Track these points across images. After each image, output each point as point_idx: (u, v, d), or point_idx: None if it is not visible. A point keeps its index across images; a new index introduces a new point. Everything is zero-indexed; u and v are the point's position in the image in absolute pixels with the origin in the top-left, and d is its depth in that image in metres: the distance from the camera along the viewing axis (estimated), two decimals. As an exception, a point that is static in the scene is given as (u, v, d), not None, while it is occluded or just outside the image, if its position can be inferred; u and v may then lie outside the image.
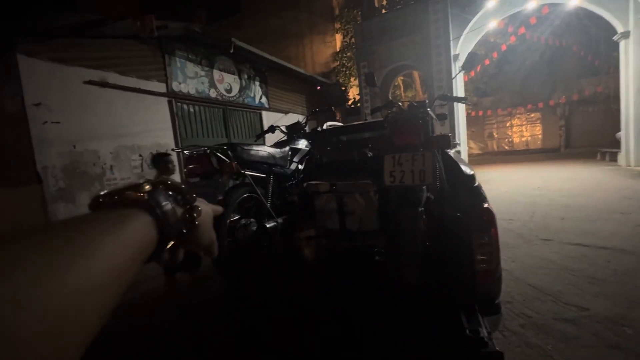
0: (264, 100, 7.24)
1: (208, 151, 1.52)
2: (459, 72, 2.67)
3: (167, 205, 0.34)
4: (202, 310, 1.92)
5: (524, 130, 19.30)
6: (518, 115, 18.83)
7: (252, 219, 1.71)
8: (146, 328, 2.39)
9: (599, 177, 6.84)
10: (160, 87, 4.74)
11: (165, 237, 0.34)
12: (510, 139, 19.77)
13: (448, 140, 1.36)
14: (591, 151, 11.74)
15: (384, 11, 9.98)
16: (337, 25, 12.52)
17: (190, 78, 5.26)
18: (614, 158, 8.96)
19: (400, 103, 2.10)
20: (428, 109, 1.59)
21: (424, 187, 1.37)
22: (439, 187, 1.42)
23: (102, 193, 0.32)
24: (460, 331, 1.07)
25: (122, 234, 0.27)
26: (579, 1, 7.52)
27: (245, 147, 1.67)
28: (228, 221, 1.57)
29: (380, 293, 1.48)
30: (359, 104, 10.41)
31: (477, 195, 1.39)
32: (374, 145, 1.77)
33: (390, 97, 10.34)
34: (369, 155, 2.27)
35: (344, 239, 1.82)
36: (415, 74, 12.89)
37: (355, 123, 2.46)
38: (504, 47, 10.26)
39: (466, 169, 1.48)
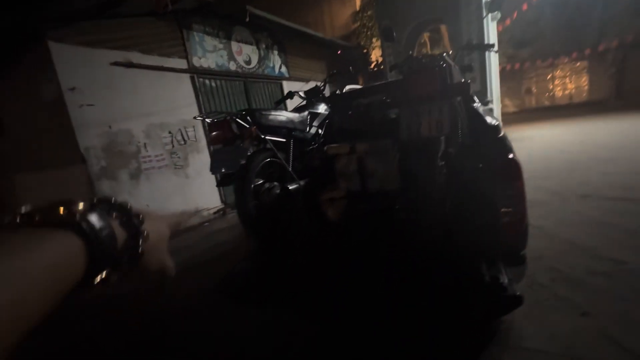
0: (283, 69, 7.13)
1: (228, 117, 1.57)
2: (496, 20, 2.45)
3: (105, 228, 0.30)
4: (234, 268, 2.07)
5: (568, 82, 17.59)
6: (561, 66, 17.12)
7: (275, 183, 1.78)
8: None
9: (652, 128, 6.20)
10: (182, 64, 4.81)
11: (98, 263, 0.30)
12: (551, 93, 18.17)
13: (467, 88, 1.29)
14: (646, 100, 10.54)
15: (406, -40, 9.13)
16: (356, -18, 11.73)
17: (209, 52, 5.27)
18: (673, 106, 8.00)
19: (421, 57, 2.00)
20: (451, 61, 1.50)
21: (442, 138, 1.33)
22: (460, 139, 1.37)
23: (22, 211, 0.28)
24: (480, 279, 1.09)
25: (38, 258, 0.24)
26: None
27: (264, 112, 1.70)
28: (252, 185, 1.64)
29: (399, 250, 1.52)
30: (382, 67, 9.95)
31: (502, 146, 1.34)
32: (392, 100, 1.72)
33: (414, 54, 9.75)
34: (392, 117, 2.22)
35: (364, 200, 1.85)
36: (443, 28, 11.94)
37: (375, 84, 2.38)
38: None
39: (490, 120, 1.41)
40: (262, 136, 1.61)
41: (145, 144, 4.19)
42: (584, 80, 16.99)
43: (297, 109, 2.12)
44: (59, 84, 3.44)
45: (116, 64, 3.97)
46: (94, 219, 0.30)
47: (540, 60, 15.77)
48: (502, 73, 10.59)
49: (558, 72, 17.72)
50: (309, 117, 2.07)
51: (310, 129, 2.07)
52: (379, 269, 1.52)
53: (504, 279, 1.05)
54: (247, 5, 5.26)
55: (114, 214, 0.34)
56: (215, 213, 5.12)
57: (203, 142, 5.05)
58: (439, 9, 7.85)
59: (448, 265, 1.29)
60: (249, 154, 1.67)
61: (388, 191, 1.83)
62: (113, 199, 0.35)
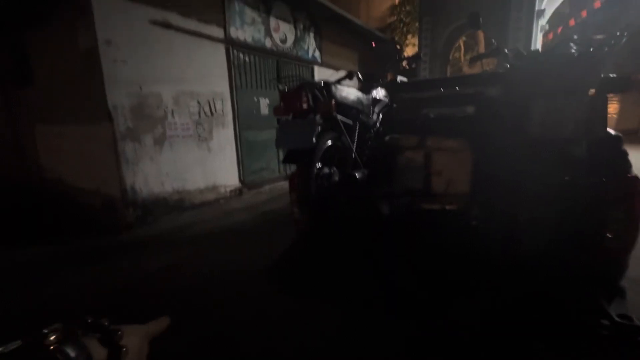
0: (317, 54, 6.88)
1: (304, 87, 1.39)
2: (544, 31, 2.20)
3: (80, 356, 0.30)
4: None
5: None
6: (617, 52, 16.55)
7: (334, 168, 1.60)
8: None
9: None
10: (219, 33, 4.60)
11: None
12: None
13: (628, 82, 1.08)
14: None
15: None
16: (399, -26, 11.32)
17: (247, 24, 5.05)
18: None
19: (507, 51, 1.78)
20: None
21: (584, 142, 1.13)
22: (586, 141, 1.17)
23: None
24: (601, 315, 0.91)
25: None
26: None
27: (340, 87, 1.51)
28: (316, 168, 1.47)
29: (476, 263, 1.34)
30: (413, 66, 9.63)
31: (623, 160, 1.14)
32: (509, 91, 1.51)
33: (450, 60, 9.42)
34: (467, 114, 2.01)
35: (428, 200, 1.67)
36: (480, 34, 11.53)
37: (447, 77, 2.17)
38: (597, 5, 8.69)
39: (611, 130, 1.21)
40: (334, 114, 1.43)
41: (173, 110, 4.03)
42: (613, 109, 16.44)
43: (362, 91, 1.93)
44: (96, 35, 3.27)
45: (155, 23, 3.78)
46: (69, 349, 0.30)
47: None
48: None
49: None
50: (372, 101, 1.88)
51: (372, 115, 1.88)
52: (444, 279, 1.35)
53: (636, 320, 0.88)
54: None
55: (92, 333, 0.33)
56: (232, 192, 4.98)
57: (230, 116, 4.89)
58: (484, 11, 7.50)
59: (545, 291, 1.11)
60: (317, 131, 1.49)
61: (455, 194, 1.65)
62: (90, 319, 0.35)
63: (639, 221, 1.14)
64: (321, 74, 6.98)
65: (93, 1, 3.23)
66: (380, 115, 1.99)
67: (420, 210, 1.68)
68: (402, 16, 10.77)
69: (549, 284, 1.18)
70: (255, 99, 5.27)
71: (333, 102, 1.37)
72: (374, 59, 8.88)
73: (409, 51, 10.86)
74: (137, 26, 3.63)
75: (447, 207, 1.62)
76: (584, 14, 9.02)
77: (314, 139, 1.37)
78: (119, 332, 0.36)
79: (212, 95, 4.56)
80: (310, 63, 6.71)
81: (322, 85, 1.40)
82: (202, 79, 4.41)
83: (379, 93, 2.01)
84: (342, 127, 1.49)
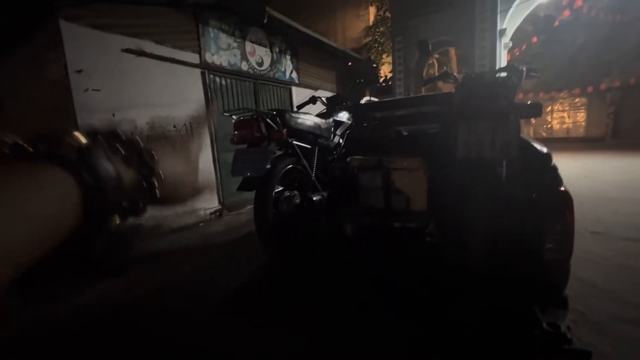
0: (294, 75, 7.06)
1: (255, 116, 1.44)
2: (507, 48, 2.40)
3: (106, 169, 0.25)
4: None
5: (566, 116, 17.98)
6: (561, 100, 17.51)
7: (295, 192, 1.65)
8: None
9: (654, 170, 6.25)
10: (194, 58, 4.70)
11: (98, 209, 0.25)
12: (549, 125, 18.52)
13: (539, 109, 1.19)
14: (643, 142, 10.74)
15: (424, -19, 9.27)
16: (372, -3, 11.87)
17: (223, 49, 5.17)
18: (672, 150, 8.14)
19: (456, 74, 1.92)
20: (523, 68, 1.38)
21: (504, 162, 1.22)
22: (515, 162, 1.26)
23: (10, 141, 0.24)
24: (535, 324, 0.97)
25: (20, 196, 0.20)
26: (653, -31, 6.60)
27: (293, 115, 1.57)
28: (273, 192, 1.51)
29: (418, 280, 1.39)
30: (389, 83, 9.99)
31: (554, 176, 1.24)
32: (442, 115, 1.62)
33: (424, 76, 9.82)
34: (413, 133, 2.12)
35: (389, 218, 1.73)
36: (452, 51, 12.12)
37: (399, 98, 2.29)
38: (556, 23, 9.33)
39: (540, 147, 1.32)
40: (290, 140, 1.49)
41: (148, 136, 4.03)
42: (582, 117, 17.36)
43: (322, 115, 2.01)
44: (66, 65, 3.29)
45: (127, 51, 3.83)
46: (95, 157, 0.25)
47: (543, 92, 16.10)
48: (507, 101, 10.72)
49: (557, 106, 18.09)
50: (333, 124, 1.96)
51: (333, 137, 1.96)
52: (403, 295, 1.39)
53: (565, 328, 0.93)
54: (267, 7, 5.20)
55: (122, 153, 0.26)
56: (211, 214, 4.93)
57: (207, 139, 4.91)
58: (453, 31, 7.94)
59: (490, 304, 1.17)
60: (272, 157, 1.54)
61: (414, 211, 1.72)
62: (120, 133, 0.26)
63: (572, 232, 1.22)
64: (299, 94, 7.14)
65: (63, 31, 3.26)
66: (344, 137, 2.07)
67: (382, 229, 1.73)
68: (376, 36, 11.23)
69: (497, 296, 1.24)
70: (233, 117, 5.33)
71: (285, 130, 1.44)
72: (351, 78, 9.19)
73: (385, 69, 11.27)
74: (110, 55, 3.67)
75: (407, 225, 1.67)
76: (543, 33, 9.64)
77: (267, 166, 1.42)
78: (154, 154, 0.27)
79: (189, 119, 4.59)
80: (288, 84, 6.86)
81: (276, 114, 1.47)
82: (178, 104, 4.45)
83: (342, 115, 2.10)
84: (299, 152, 1.55)
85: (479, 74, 1.67)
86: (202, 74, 4.82)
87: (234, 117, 1.55)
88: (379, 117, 2.26)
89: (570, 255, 1.22)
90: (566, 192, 1.19)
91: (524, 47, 10.81)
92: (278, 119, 1.47)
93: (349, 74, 9.22)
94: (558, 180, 1.22)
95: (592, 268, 2.44)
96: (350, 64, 9.25)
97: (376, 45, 11.28)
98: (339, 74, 8.91)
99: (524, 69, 1.32)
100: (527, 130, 19.05)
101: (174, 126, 4.38)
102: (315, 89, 7.81)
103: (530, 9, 7.99)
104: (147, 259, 3.42)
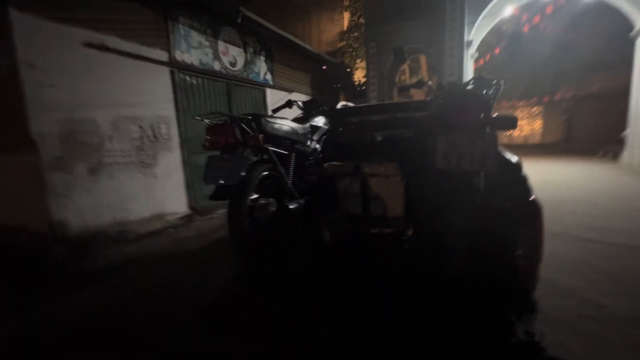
0: (268, 76, 6.97)
1: (230, 121, 1.37)
2: (474, 58, 2.51)
3: None
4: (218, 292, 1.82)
5: (524, 124, 19.25)
6: (520, 108, 18.73)
7: (271, 199, 1.59)
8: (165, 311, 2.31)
9: (604, 174, 6.82)
10: (163, 56, 4.48)
11: None
12: (509, 132, 19.75)
13: (515, 121, 1.23)
14: (592, 148, 11.71)
15: (396, -10, 9.54)
16: (346, 2, 12.03)
17: (194, 48, 4.99)
18: (616, 157, 8.94)
19: (430, 82, 1.96)
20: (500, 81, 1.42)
21: (482, 173, 1.25)
22: (493, 173, 1.30)
23: None
24: (511, 331, 0.99)
25: None
26: (600, -9, 7.24)
27: (270, 120, 1.52)
28: (248, 201, 1.45)
29: (408, 282, 1.39)
30: (363, 87, 10.15)
31: (524, 186, 1.28)
32: (420, 125, 1.64)
33: (397, 82, 10.08)
34: (389, 138, 2.14)
35: (366, 224, 1.72)
36: (423, 59, 12.55)
37: (375, 103, 2.31)
38: (516, 36, 9.97)
39: (511, 157, 1.37)
40: (266, 146, 1.43)
41: (111, 136, 3.78)
42: (538, 124, 18.69)
43: (298, 120, 1.97)
44: (16, 58, 3.00)
45: (89, 45, 3.58)
46: None
47: (504, 101, 17.13)
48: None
49: (517, 114, 19.32)
50: (309, 129, 1.92)
51: (310, 143, 1.92)
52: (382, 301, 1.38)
53: (539, 335, 0.96)
54: (241, 7, 5.09)
55: None
56: (181, 219, 4.71)
57: (176, 140, 4.69)
58: (424, 40, 8.23)
59: (467, 309, 1.18)
60: (248, 164, 1.48)
61: (391, 217, 1.72)
62: None
63: (542, 239, 1.27)
64: (273, 96, 7.05)
65: (14, 21, 2.98)
66: (320, 142, 2.05)
67: (360, 235, 1.72)
68: (350, 41, 11.40)
69: (474, 301, 1.27)
70: (205, 121, 5.13)
71: (261, 136, 1.39)
72: (326, 82, 9.23)
73: (359, 74, 11.45)
74: (69, 49, 3.41)
75: (385, 231, 1.67)
76: (505, 44, 10.26)
77: (242, 174, 1.36)
78: None
79: (156, 119, 4.37)
80: (262, 85, 6.75)
81: (251, 118, 1.41)
82: (145, 103, 4.22)
83: (318, 120, 2.07)
84: (275, 159, 1.50)
85: (452, 83, 1.72)
86: (171, 72, 4.61)
87: (206, 121, 1.46)
88: (355, 122, 2.26)
89: (540, 260, 1.27)
90: (536, 201, 1.24)
91: (487, 57, 11.44)
92: (254, 124, 1.41)
93: (324, 78, 9.25)
94: (528, 190, 1.27)
95: (553, 267, 2.57)
96: (324, 67, 9.29)
97: (350, 50, 11.44)
98: (314, 77, 8.92)
99: (502, 82, 1.37)
100: (491, 136, 20.15)
101: (140, 126, 4.14)
102: (290, 91, 7.75)
103: (494, 22, 8.48)
104: (110, 268, 3.18)
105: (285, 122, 1.66)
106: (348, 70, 11.01)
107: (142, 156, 4.17)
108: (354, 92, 10.51)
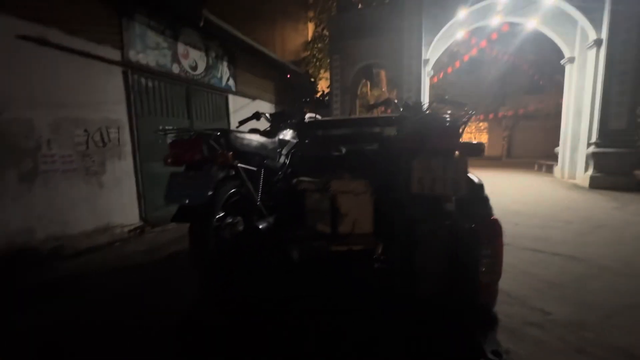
0: (231, 82, 6.77)
1: (196, 136, 1.27)
2: (430, 76, 2.66)
3: None
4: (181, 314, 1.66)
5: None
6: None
7: (238, 217, 1.50)
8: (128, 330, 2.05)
9: (541, 187, 7.57)
10: (114, 55, 4.14)
11: None
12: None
13: (482, 149, 1.29)
14: (529, 162, 13.04)
15: (360, 6, 9.92)
16: (311, 14, 12.21)
17: (150, 48, 4.68)
18: (550, 170, 10.02)
19: (396, 101, 2.01)
20: (472, 112, 1.48)
21: (453, 198, 1.29)
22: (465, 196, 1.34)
23: None
24: (480, 351, 1.01)
25: None
26: (535, 23, 8.16)
27: (239, 135, 1.44)
28: (214, 221, 1.34)
29: (377, 301, 1.38)
30: (327, 98, 10.30)
31: (486, 206, 1.35)
32: (391, 143, 1.65)
33: (358, 95, 10.39)
34: (355, 153, 2.15)
35: (336, 242, 1.69)
36: (382, 73, 13.10)
37: (349, 117, 2.32)
38: (466, 58, 10.85)
39: (475, 179, 1.44)
40: (235, 163, 1.35)
41: (49, 140, 3.37)
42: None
43: (266, 134, 1.90)
44: None
45: (25, 38, 3.18)
46: None
47: (455, 116, 18.48)
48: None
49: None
50: (278, 144, 1.87)
51: (279, 158, 1.86)
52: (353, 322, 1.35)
53: (506, 355, 0.99)
54: (204, 9, 4.90)
55: None
56: (131, 232, 4.33)
57: (128, 146, 4.33)
58: (385, 56, 8.61)
59: (434, 326, 1.20)
60: (215, 181, 1.37)
61: (360, 234, 1.72)
62: None
63: (501, 256, 1.34)
64: (236, 103, 6.86)
65: None
66: (289, 157, 2.00)
67: (329, 253, 1.68)
68: (314, 52, 11.53)
69: (442, 320, 1.29)
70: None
71: (230, 153, 1.31)
72: (290, 90, 9.21)
73: (323, 84, 11.61)
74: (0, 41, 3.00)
75: (354, 249, 1.66)
76: (457, 64, 11.10)
77: (210, 193, 1.26)
78: None
79: (105, 122, 4.00)
80: (224, 91, 6.54)
81: (220, 134, 1.33)
82: (92, 105, 3.85)
83: (287, 134, 2.02)
84: (244, 176, 1.43)
85: (417, 103, 1.78)
86: (124, 72, 4.27)
87: (169, 135, 1.33)
88: (324, 136, 2.25)
89: (499, 276, 1.34)
90: (496, 221, 1.31)
91: (441, 75, 12.28)
92: (222, 139, 1.32)
93: (288, 86, 9.23)
94: (489, 210, 1.34)
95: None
96: (289, 76, 9.28)
97: (314, 60, 11.57)
98: (278, 85, 8.86)
99: (472, 112, 1.44)
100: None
101: (85, 130, 3.76)
102: (253, 98, 7.61)
103: (448, 44, 9.14)
104: (41, 289, 2.79)
105: (254, 137, 1.59)
106: (312, 80, 11.11)
107: (86, 163, 3.77)
108: (318, 102, 10.62)
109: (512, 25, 9.10)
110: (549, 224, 4.20)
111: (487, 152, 20.39)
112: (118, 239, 4.13)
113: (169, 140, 1.32)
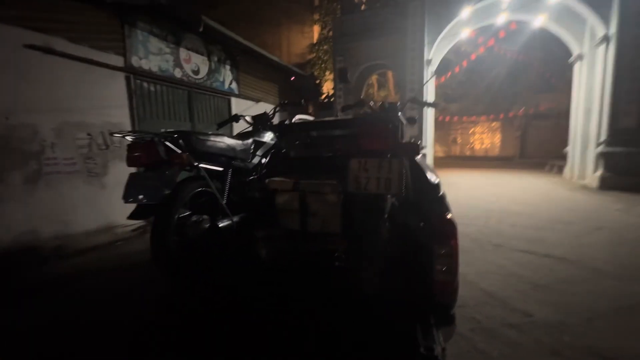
0: (234, 86, 6.90)
1: (155, 139, 1.35)
2: (431, 77, 2.68)
3: None
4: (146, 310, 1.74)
5: (485, 137, 20.52)
6: (481, 123, 19.95)
7: (204, 216, 1.57)
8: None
9: (547, 188, 7.39)
10: (117, 61, 4.31)
11: None
12: (472, 145, 20.93)
13: (417, 148, 1.32)
14: (541, 162, 12.70)
15: (363, 7, 9.94)
16: (316, 17, 12.30)
17: (153, 54, 4.84)
18: (561, 171, 9.75)
19: (372, 103, 2.04)
20: (399, 113, 1.54)
21: (389, 196, 1.32)
22: (404, 194, 1.37)
23: None
24: (414, 346, 1.04)
25: None
26: (543, 22, 7.98)
27: (201, 137, 1.51)
28: (177, 217, 1.41)
29: (337, 301, 1.42)
30: (332, 99, 10.35)
31: (441, 204, 1.37)
32: (342, 146, 1.70)
33: (362, 95, 10.39)
34: (335, 154, 2.19)
35: (304, 242, 1.74)
36: (389, 74, 13.07)
37: (325, 119, 2.37)
38: (473, 57, 10.70)
39: (432, 177, 1.46)
40: (195, 163, 1.42)
41: (52, 143, 3.54)
42: (497, 138, 19.99)
43: (242, 135, 1.97)
44: (-58, 57, 2.76)
45: (32, 47, 3.37)
46: None
47: (465, 116, 18.19)
48: (435, 122, 11.86)
49: (478, 128, 20.56)
50: (253, 145, 1.93)
51: (253, 159, 1.93)
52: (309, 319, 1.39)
53: (438, 350, 1.02)
54: (203, 16, 5.03)
55: None
56: (134, 230, 4.48)
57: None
58: (388, 57, 8.60)
59: (381, 323, 1.23)
60: (178, 180, 1.45)
61: (329, 234, 1.75)
62: None
63: (457, 255, 1.36)
64: (239, 106, 6.98)
65: (-60, 19, 2.75)
66: (265, 158, 2.06)
67: (297, 252, 1.73)
68: (320, 54, 11.62)
69: (395, 316, 1.32)
70: (162, 129, 4.95)
71: (186, 154, 1.37)
72: (295, 92, 9.30)
73: (328, 86, 11.67)
74: (7, 50, 3.19)
75: (322, 248, 1.70)
76: (464, 63, 10.95)
77: (166, 192, 1.33)
78: None
79: (108, 126, 4.16)
80: (227, 95, 6.67)
81: (177, 136, 1.40)
82: (95, 109, 4.02)
83: (264, 135, 2.09)
84: (206, 176, 1.49)
85: (392, 104, 1.80)
86: (127, 78, 4.44)
87: (127, 138, 1.41)
88: (300, 138, 2.29)
89: (456, 275, 1.35)
90: (451, 220, 1.32)
91: (448, 74, 12.14)
92: (181, 141, 1.39)
93: (292, 88, 9.32)
94: (445, 209, 1.36)
95: (491, 278, 2.75)
96: (293, 78, 9.38)
97: (320, 62, 11.65)
98: (282, 87, 8.96)
99: (400, 113, 1.47)
100: (455, 149, 21.29)
101: (89, 134, 3.93)
102: (257, 101, 7.73)
103: (452, 43, 9.04)
104: (43, 286, 2.94)
105: (220, 139, 1.66)
106: (317, 82, 11.18)
107: (89, 165, 3.94)
108: (322, 103, 10.68)
109: (519, 23, 8.92)
110: (547, 226, 4.12)
111: (500, 152, 19.96)
112: (120, 239, 4.28)
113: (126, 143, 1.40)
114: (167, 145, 1.35)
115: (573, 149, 8.41)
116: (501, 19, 8.18)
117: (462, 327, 2.07)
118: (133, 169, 1.49)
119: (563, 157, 9.70)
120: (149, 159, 1.35)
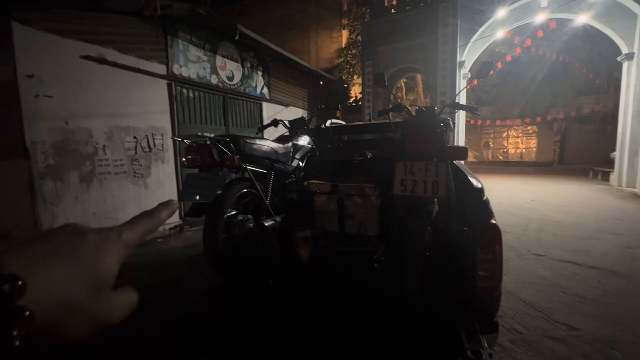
0: (265, 91, 7.12)
1: (209, 142, 1.45)
2: (467, 78, 2.63)
3: None
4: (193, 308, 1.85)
5: (520, 142, 19.55)
6: (515, 127, 19.04)
7: (249, 215, 1.65)
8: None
9: (591, 196, 6.93)
10: (160, 69, 4.60)
11: None
12: (505, 150, 20.02)
13: (465, 152, 1.31)
14: (583, 169, 11.90)
15: (393, 11, 9.88)
16: (345, 22, 12.39)
17: (192, 62, 5.12)
18: (606, 177, 9.09)
19: (408, 107, 2.05)
20: (448, 118, 1.54)
21: (435, 199, 1.33)
22: (447, 198, 1.37)
23: None
24: (460, 350, 1.04)
25: None
26: (587, 18, 7.54)
27: (248, 141, 1.60)
28: (225, 216, 1.50)
29: (377, 301, 1.44)
30: (360, 103, 10.35)
31: (485, 209, 1.35)
32: (383, 149, 1.72)
33: (392, 99, 10.30)
34: (374, 158, 2.22)
35: (342, 243, 1.77)
36: (419, 77, 12.87)
37: (361, 123, 2.40)
38: (508, 58, 10.27)
39: (475, 182, 1.44)
40: (243, 165, 1.51)
41: (104, 146, 3.84)
42: (533, 143, 18.97)
43: (281, 139, 2.05)
44: (15, 68, 3.09)
45: (87, 58, 3.69)
46: None
47: (499, 119, 17.45)
48: (466, 126, 11.48)
49: (512, 132, 19.64)
50: (292, 148, 2.00)
51: (292, 162, 2.00)
52: (353, 319, 1.42)
53: (486, 355, 1.01)
54: (239, 25, 5.26)
55: None
56: (172, 229, 4.74)
57: (170, 151, 4.77)
58: (418, 60, 8.48)
59: (425, 328, 1.23)
60: (226, 182, 1.55)
61: (366, 236, 1.78)
62: None
63: (501, 261, 1.33)
64: (270, 110, 7.18)
65: (15, 33, 3.08)
66: (303, 161, 2.13)
67: (335, 253, 1.77)
68: (348, 58, 11.68)
69: (437, 320, 1.32)
70: (200, 133, 5.22)
71: (237, 156, 1.46)
72: (324, 96, 9.41)
73: (356, 90, 11.69)
74: (67, 61, 3.51)
75: (359, 249, 1.73)
76: (499, 65, 10.54)
77: (218, 192, 1.43)
78: (20, 282, 0.19)
79: (152, 130, 4.45)
80: (259, 99, 6.89)
81: (229, 140, 1.49)
82: (141, 114, 4.31)
83: (302, 139, 2.15)
84: (252, 177, 1.57)
85: (429, 108, 1.80)
86: (169, 85, 4.72)
87: (185, 141, 1.53)
88: (338, 141, 2.34)
89: (499, 282, 1.33)
90: (495, 225, 1.31)
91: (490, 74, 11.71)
92: (232, 145, 1.49)
93: (321, 93, 9.44)
94: (489, 213, 1.34)
95: (532, 288, 2.63)
96: (321, 83, 9.49)
97: (348, 66, 11.71)
98: (311, 92, 9.10)
99: (449, 119, 1.46)
100: (487, 153, 20.45)
101: (135, 137, 4.22)
102: (287, 105, 7.90)
103: (486, 45, 8.75)
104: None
105: (264, 143, 1.74)
106: (345, 85, 11.23)
107: (135, 166, 4.22)
108: (350, 107, 10.71)
109: (559, 21, 8.47)
110: (592, 235, 3.87)
111: (536, 158, 18.90)
112: (160, 236, 4.54)
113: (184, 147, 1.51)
114: (219, 148, 1.45)
115: (621, 154, 7.83)
116: (540, 18, 7.82)
117: (502, 338, 2.01)
118: (174, 171, 1.60)
119: (608, 163, 9.04)
120: (203, 161, 1.45)
